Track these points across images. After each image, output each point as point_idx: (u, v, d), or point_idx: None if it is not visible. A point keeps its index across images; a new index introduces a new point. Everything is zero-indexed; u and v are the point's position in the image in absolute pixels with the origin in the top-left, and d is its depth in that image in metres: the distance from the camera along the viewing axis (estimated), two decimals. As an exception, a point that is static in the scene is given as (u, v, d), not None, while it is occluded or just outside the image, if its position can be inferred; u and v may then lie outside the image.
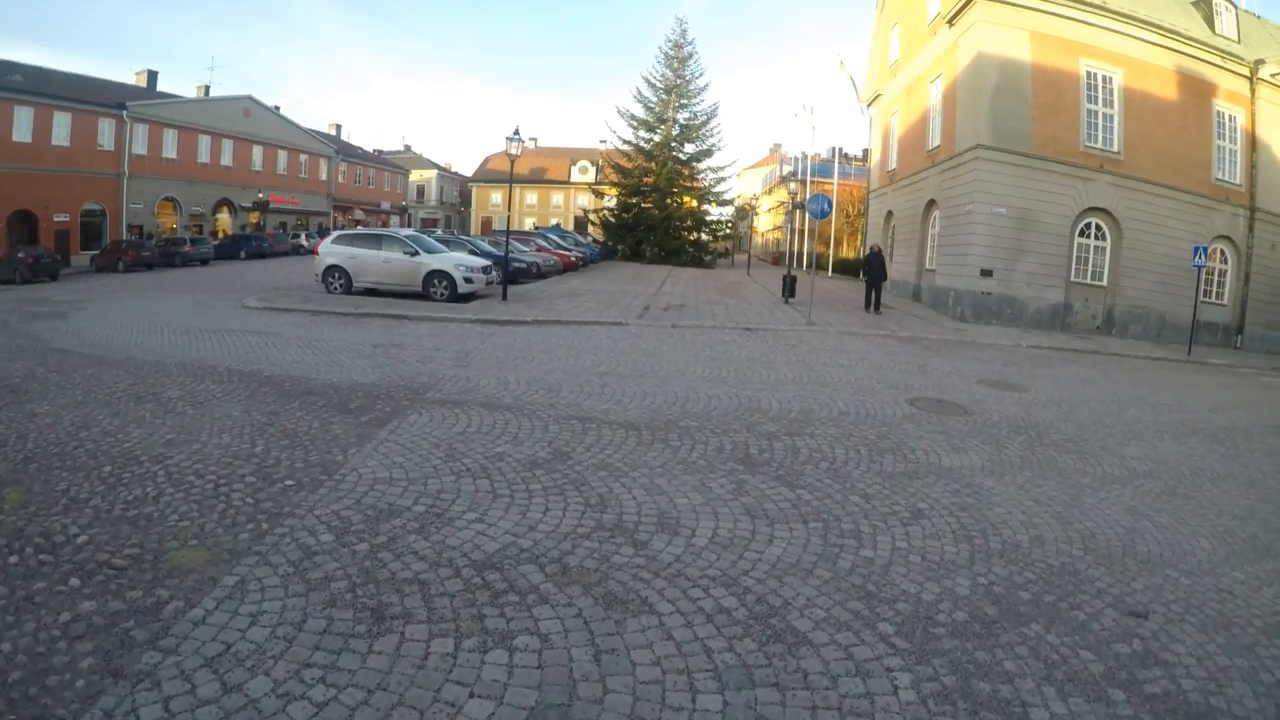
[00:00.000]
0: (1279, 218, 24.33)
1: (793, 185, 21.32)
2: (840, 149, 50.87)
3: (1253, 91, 23.61)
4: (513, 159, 16.55)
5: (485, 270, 17.54)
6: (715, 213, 45.24)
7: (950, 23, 21.91)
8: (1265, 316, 23.90)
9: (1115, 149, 21.59)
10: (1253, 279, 23.65)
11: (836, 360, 11.85)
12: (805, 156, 43.46)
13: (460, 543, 4.25)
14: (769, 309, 18.79)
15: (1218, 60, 22.84)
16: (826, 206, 16.58)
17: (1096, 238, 21.79)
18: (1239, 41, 24.27)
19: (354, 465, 5.49)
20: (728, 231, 45.61)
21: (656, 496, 5.17)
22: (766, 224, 62.64)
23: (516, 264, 22.57)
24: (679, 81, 41.53)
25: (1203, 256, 19.90)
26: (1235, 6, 24.77)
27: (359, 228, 26.23)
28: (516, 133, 16.26)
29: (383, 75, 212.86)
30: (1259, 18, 26.41)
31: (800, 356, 11.90)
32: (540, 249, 28.43)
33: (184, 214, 41.29)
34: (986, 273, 20.39)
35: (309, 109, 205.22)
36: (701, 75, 42.22)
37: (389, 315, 14.08)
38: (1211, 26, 23.89)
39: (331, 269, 17.53)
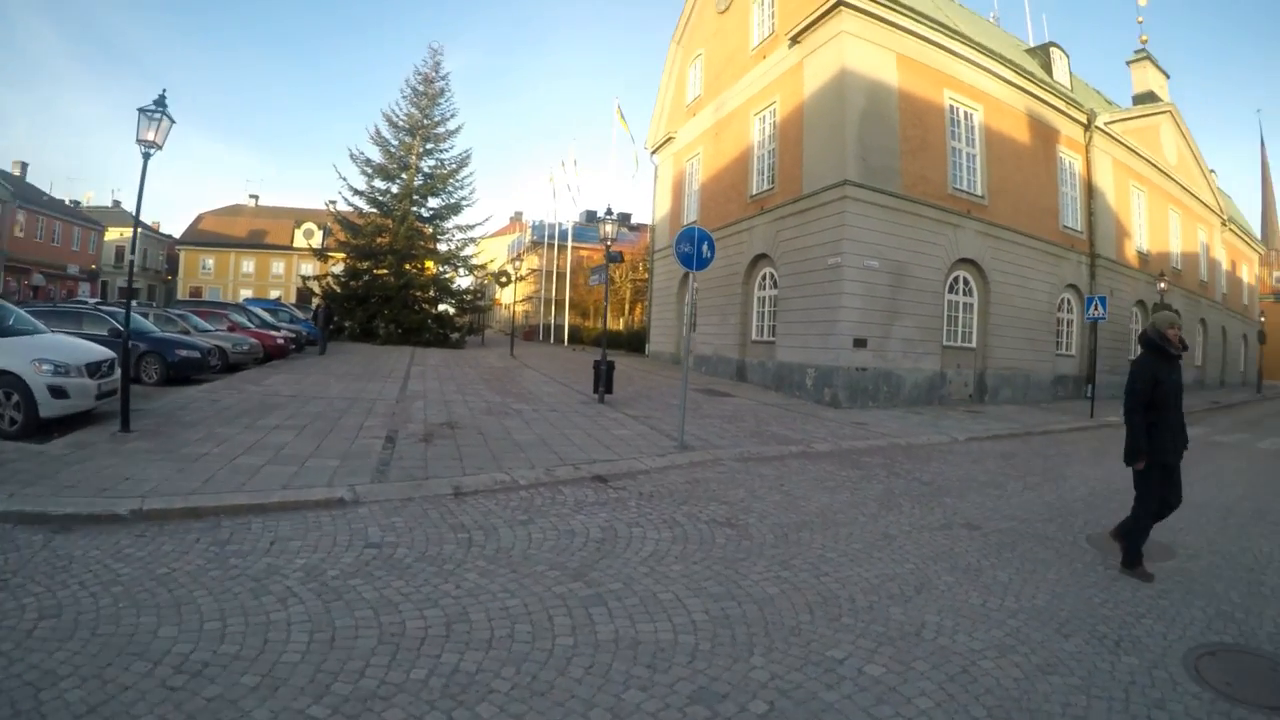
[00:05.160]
0: (1114, 263, 23.51)
1: (608, 227, 14.21)
2: (592, 211, 45.17)
3: (1088, 140, 21.58)
4: (147, 151, 8.28)
5: (100, 369, 8.56)
6: (462, 281, 35.78)
7: (795, 40, 16.81)
8: (1108, 363, 22.07)
9: (979, 193, 17.72)
10: (1098, 326, 20.83)
11: (847, 549, 5.45)
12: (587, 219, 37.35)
13: None
14: (591, 420, 11.18)
15: (1062, 106, 21.40)
16: (709, 250, 9.87)
17: (965, 293, 17.57)
18: (1072, 91, 21.76)
19: None
20: (478, 303, 36.05)
21: None
22: (517, 294, 54.22)
23: (185, 353, 13.30)
24: (426, 122, 32.77)
25: (1100, 308, 16.53)
26: (1066, 56, 22.34)
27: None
28: (161, 102, 8.35)
29: (88, 111, 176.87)
30: (1073, 74, 24.27)
31: (790, 565, 5.04)
32: (234, 328, 18.30)
33: None
34: (860, 342, 15.13)
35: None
36: (454, 116, 33.59)
37: None
38: (1050, 74, 21.12)
39: None
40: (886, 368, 15.60)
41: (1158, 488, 5.52)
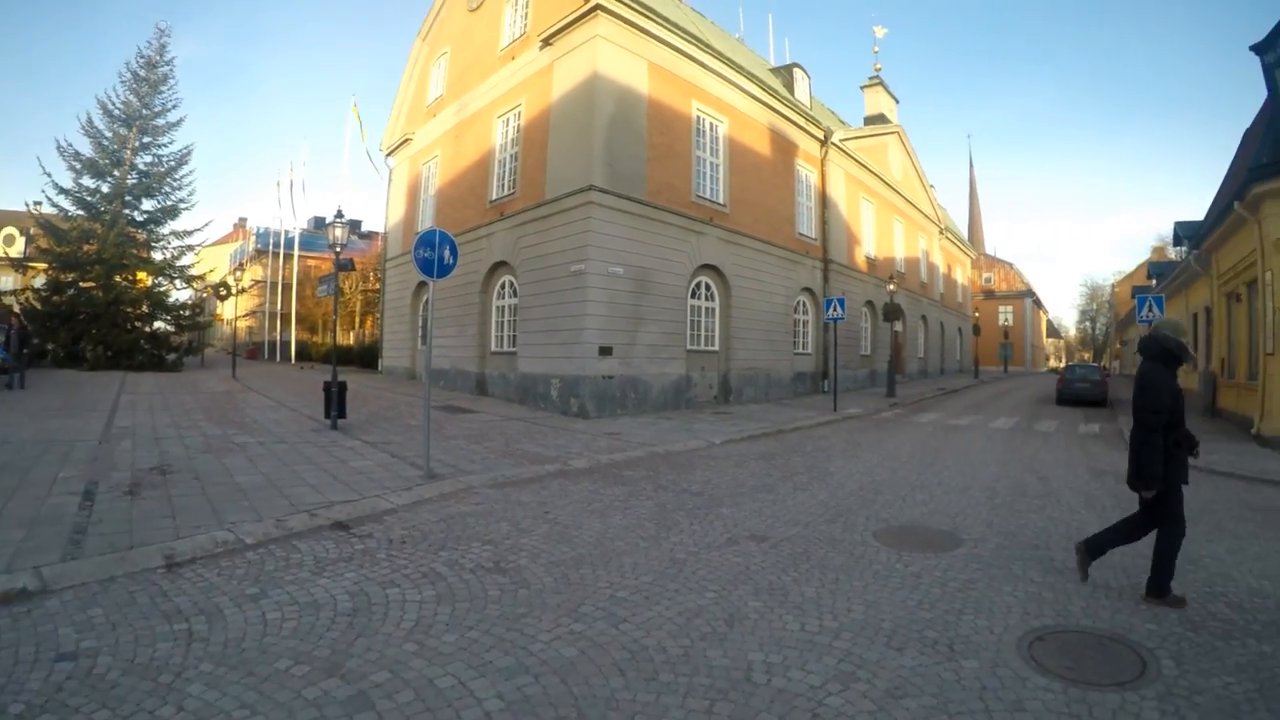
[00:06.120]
0: (845, 268, 25.89)
1: (337, 231, 12.99)
2: (321, 218, 43.25)
3: (824, 154, 23.57)
4: None
5: None
6: (179, 294, 31.81)
7: (548, 42, 16.53)
8: (841, 359, 23.61)
9: (722, 201, 18.59)
10: (830, 326, 22.97)
11: (638, 584, 4.96)
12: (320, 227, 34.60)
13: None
14: (325, 451, 9.96)
15: (802, 122, 23.29)
16: (451, 256, 8.61)
17: (707, 298, 18.39)
18: (812, 109, 23.70)
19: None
20: (197, 319, 31.94)
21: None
22: (239, 309, 47.93)
23: None
24: (145, 112, 28.85)
25: (840, 309, 18.02)
26: (808, 77, 24.24)
27: None
28: None
29: None
30: (813, 95, 26.53)
31: (580, 614, 4.41)
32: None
33: None
34: (606, 350, 15.10)
35: None
36: (175, 107, 29.85)
37: None
38: (792, 92, 22.78)
39: None
40: (633, 374, 15.77)
41: (1179, 505, 4.81)
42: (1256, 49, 13.29)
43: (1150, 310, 14.16)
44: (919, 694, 3.43)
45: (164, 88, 29.36)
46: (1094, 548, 5.08)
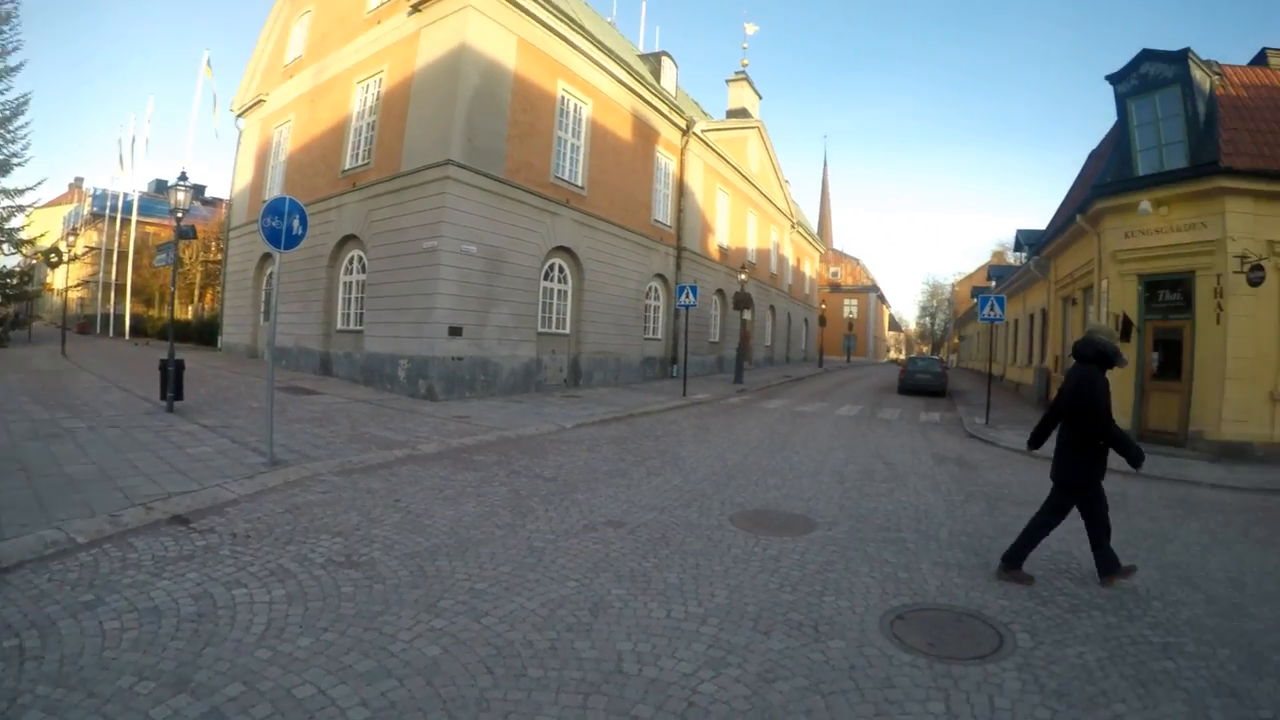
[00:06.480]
0: (699, 256, 26.69)
1: (179, 195, 12.08)
2: (163, 180, 40.38)
3: (685, 144, 24.44)
4: None
5: None
6: (6, 260, 28.82)
7: (417, 8, 15.83)
8: (691, 345, 24.51)
9: (580, 183, 18.84)
10: (681, 312, 23.88)
11: (496, 575, 4.86)
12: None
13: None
14: (160, 436, 9.14)
15: (665, 111, 23.75)
16: (301, 226, 8.02)
17: (559, 281, 18.66)
18: (676, 98, 24.41)
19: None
20: (26, 289, 29.11)
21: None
22: (70, 278, 42.89)
23: None
24: None
25: (692, 296, 18.76)
26: (676, 66, 24.90)
27: None
28: None
29: None
30: (679, 84, 27.28)
31: (440, 610, 4.24)
32: None
33: None
34: (456, 331, 14.88)
35: None
36: (17, 49, 26.33)
37: None
38: (658, 80, 23.34)
39: None
40: (483, 356, 15.65)
41: (1097, 503, 5.20)
42: (1111, 79, 14.22)
43: (992, 309, 15.16)
44: (791, 676, 3.53)
45: (6, 27, 25.60)
46: (1099, 557, 5.16)
